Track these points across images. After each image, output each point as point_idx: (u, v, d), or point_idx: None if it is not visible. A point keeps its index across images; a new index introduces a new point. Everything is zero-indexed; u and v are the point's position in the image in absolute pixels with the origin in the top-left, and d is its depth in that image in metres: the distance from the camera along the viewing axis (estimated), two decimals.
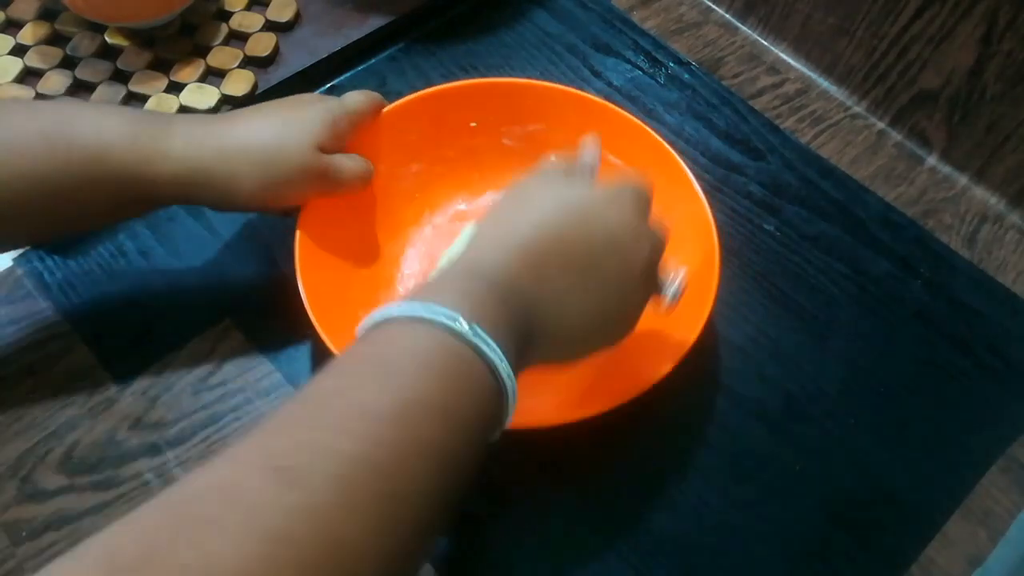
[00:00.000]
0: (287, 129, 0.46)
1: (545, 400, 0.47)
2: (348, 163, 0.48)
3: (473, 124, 0.55)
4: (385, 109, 0.53)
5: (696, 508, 0.48)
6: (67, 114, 0.44)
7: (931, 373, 0.53)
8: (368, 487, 0.28)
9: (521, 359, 0.35)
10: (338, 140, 0.48)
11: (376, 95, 0.52)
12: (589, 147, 0.45)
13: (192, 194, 0.45)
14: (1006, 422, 0.52)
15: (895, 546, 0.47)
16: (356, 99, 0.50)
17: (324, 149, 0.46)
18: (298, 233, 0.48)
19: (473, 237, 0.39)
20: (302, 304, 0.45)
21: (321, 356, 0.50)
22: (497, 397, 0.33)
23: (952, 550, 0.47)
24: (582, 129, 0.53)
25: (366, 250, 0.53)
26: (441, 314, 0.32)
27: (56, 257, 0.53)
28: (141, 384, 0.49)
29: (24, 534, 0.44)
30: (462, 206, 0.56)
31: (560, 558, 0.46)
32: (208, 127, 0.45)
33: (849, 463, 0.50)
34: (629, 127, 0.53)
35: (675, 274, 0.43)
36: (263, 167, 0.45)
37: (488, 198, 0.56)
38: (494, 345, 0.33)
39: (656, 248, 0.42)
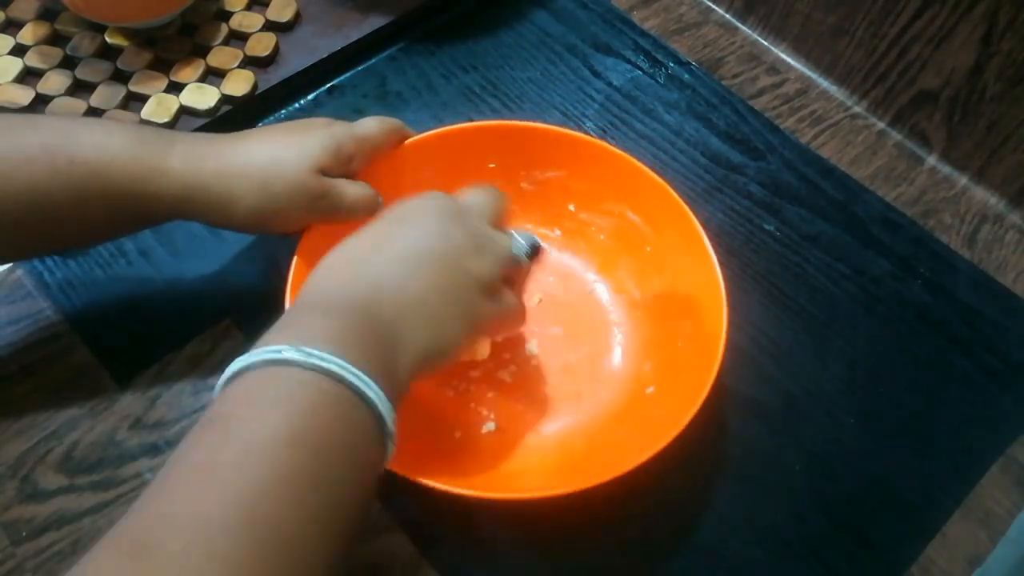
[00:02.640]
0: (286, 151, 0.45)
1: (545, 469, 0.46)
2: (351, 188, 0.47)
3: (492, 165, 0.54)
4: (406, 143, 0.51)
5: (695, 508, 0.48)
6: (70, 130, 0.43)
7: (931, 373, 0.54)
8: (237, 530, 0.28)
9: (394, 361, 0.36)
10: (343, 165, 0.46)
11: (395, 122, 0.50)
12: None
13: (190, 212, 0.44)
14: (1006, 422, 0.52)
15: (895, 546, 0.47)
16: (369, 125, 0.48)
17: (327, 173, 0.45)
18: (295, 260, 0.46)
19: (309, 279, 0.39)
20: None
21: None
22: (369, 420, 0.33)
23: (952, 550, 0.47)
24: (602, 180, 0.53)
25: None
26: (287, 356, 0.32)
27: (56, 257, 0.53)
28: (141, 384, 0.49)
29: (24, 534, 0.44)
30: None
31: (557, 551, 0.46)
32: (208, 146, 0.45)
33: (849, 463, 0.50)
34: (651, 185, 0.51)
35: (517, 233, 0.44)
36: (259, 188, 0.44)
37: None
38: (347, 365, 0.32)
39: (477, 216, 0.42)
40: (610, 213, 0.54)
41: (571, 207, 0.55)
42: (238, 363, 0.33)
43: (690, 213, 0.50)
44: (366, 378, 0.33)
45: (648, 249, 0.53)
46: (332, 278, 0.38)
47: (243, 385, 0.33)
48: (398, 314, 0.37)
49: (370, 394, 0.33)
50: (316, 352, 0.32)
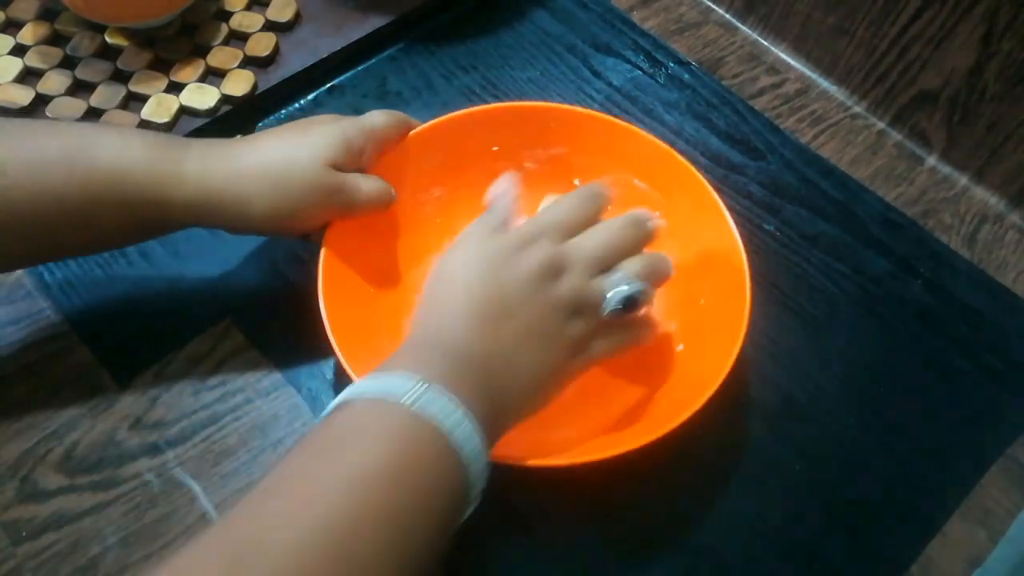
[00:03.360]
0: (297, 149, 0.45)
1: (570, 435, 0.46)
2: (365, 182, 0.47)
3: (495, 148, 0.54)
4: (408, 135, 0.51)
5: (694, 508, 0.48)
6: (88, 136, 0.43)
7: (931, 373, 0.53)
8: (324, 554, 0.29)
9: (495, 421, 0.37)
10: (354, 158, 0.47)
11: (400, 115, 0.50)
12: (501, 190, 0.45)
13: (206, 217, 0.44)
14: (1006, 422, 0.52)
15: (895, 546, 0.47)
16: (375, 118, 0.49)
17: (339, 167, 0.46)
18: (323, 251, 0.46)
19: (420, 308, 0.41)
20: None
21: (322, 357, 0.50)
22: (458, 470, 0.34)
23: (952, 550, 0.47)
24: (607, 152, 0.54)
25: (388, 276, 0.52)
26: (397, 393, 0.34)
27: None
28: (141, 384, 0.49)
29: (24, 534, 0.44)
30: None
31: (553, 552, 0.46)
32: (221, 151, 0.45)
33: (849, 463, 0.50)
34: (655, 150, 0.52)
35: (619, 282, 0.43)
36: (273, 187, 0.44)
37: None
38: (452, 414, 0.34)
39: (580, 271, 0.42)
40: (616, 183, 0.54)
41: (576, 182, 0.55)
42: (354, 389, 0.35)
43: (697, 172, 0.51)
44: (471, 431, 0.34)
45: (658, 213, 0.53)
46: (446, 319, 0.40)
47: (354, 413, 0.35)
48: (506, 382, 0.39)
49: (468, 451, 0.34)
50: (428, 394, 0.34)
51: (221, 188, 0.44)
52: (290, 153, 0.45)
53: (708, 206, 0.50)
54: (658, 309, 0.52)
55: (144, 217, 0.44)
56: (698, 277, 0.51)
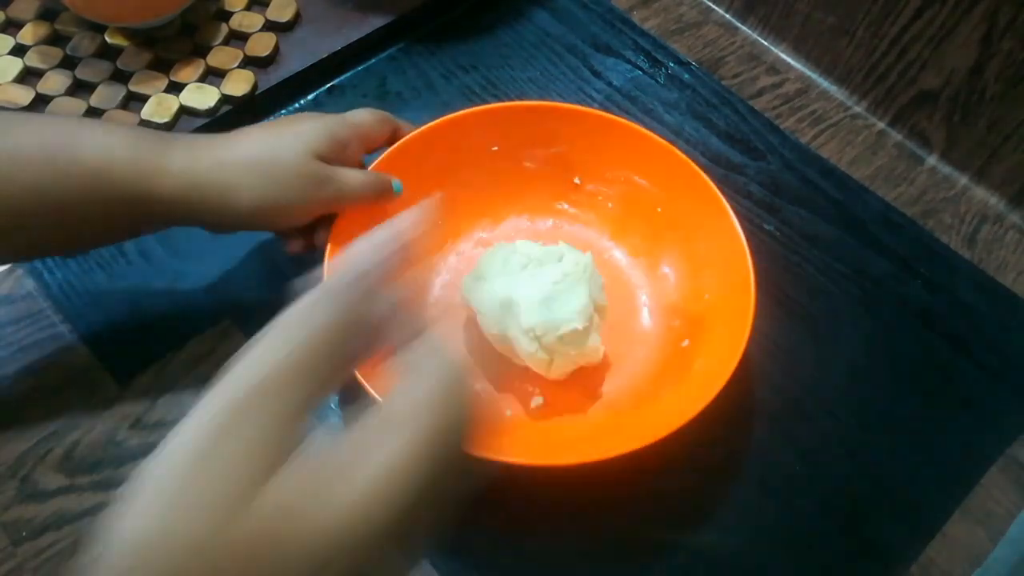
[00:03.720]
0: (282, 140, 0.46)
1: (572, 434, 0.47)
2: (352, 173, 0.47)
3: (495, 148, 0.55)
4: (407, 137, 0.51)
5: (695, 508, 0.48)
6: (71, 129, 0.43)
7: (931, 373, 0.53)
8: None
9: None
10: (339, 150, 0.47)
11: (385, 114, 0.51)
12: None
13: (191, 211, 0.44)
14: (1006, 422, 0.52)
15: (895, 546, 0.47)
16: (359, 114, 0.50)
17: (325, 159, 0.46)
18: (328, 249, 0.47)
19: None
20: None
21: None
22: None
23: (952, 550, 0.47)
24: (604, 149, 0.54)
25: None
26: None
27: (56, 257, 0.53)
28: (141, 384, 0.49)
29: (24, 534, 0.44)
30: (484, 233, 0.55)
31: (551, 556, 0.46)
32: (206, 144, 0.45)
33: (849, 463, 0.50)
34: (654, 147, 0.52)
35: None
36: (259, 178, 0.44)
37: (510, 223, 0.56)
38: None
39: None
40: (616, 180, 0.55)
41: (576, 180, 0.56)
42: None
43: (696, 168, 0.51)
44: None
45: (659, 210, 0.53)
46: None
47: None
48: None
49: None
50: None
51: (206, 179, 0.43)
52: (276, 143, 0.45)
53: (709, 200, 0.50)
54: (662, 304, 0.52)
55: (128, 210, 0.43)
56: (702, 271, 0.51)
